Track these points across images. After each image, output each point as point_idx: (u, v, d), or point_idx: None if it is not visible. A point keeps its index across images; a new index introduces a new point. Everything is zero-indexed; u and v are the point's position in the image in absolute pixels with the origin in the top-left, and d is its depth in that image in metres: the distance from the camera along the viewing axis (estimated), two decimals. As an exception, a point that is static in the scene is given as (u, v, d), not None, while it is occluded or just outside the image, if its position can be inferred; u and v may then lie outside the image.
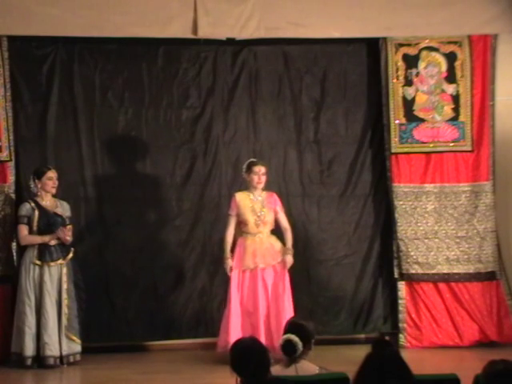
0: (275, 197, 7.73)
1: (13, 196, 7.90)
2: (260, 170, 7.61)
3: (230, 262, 7.51)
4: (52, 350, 7.41)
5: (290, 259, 7.56)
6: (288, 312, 7.35)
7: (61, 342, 7.46)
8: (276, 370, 4.57)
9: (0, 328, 7.69)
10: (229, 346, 7.27)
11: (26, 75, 8.14)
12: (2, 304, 7.77)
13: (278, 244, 7.63)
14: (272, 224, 7.68)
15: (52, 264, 7.53)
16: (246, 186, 7.73)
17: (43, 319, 7.43)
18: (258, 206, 7.61)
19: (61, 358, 7.46)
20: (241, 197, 7.65)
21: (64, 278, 7.54)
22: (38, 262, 7.51)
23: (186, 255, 8.37)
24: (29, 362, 7.40)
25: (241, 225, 7.66)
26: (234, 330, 7.36)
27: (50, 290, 7.48)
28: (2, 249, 7.84)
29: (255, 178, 7.61)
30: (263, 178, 7.63)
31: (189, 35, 8.10)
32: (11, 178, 7.93)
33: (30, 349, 7.41)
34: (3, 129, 7.93)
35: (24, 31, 7.93)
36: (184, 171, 8.41)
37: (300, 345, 4.74)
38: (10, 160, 7.94)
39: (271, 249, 7.58)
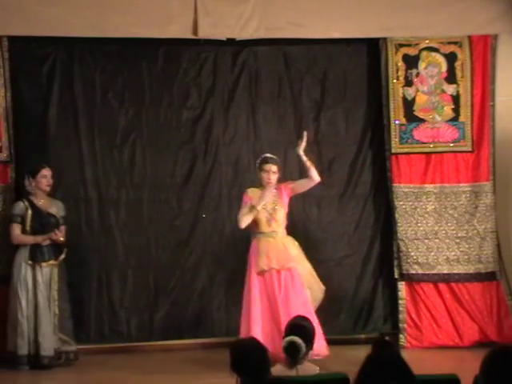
0: (283, 188, 7.40)
1: (13, 196, 7.89)
2: (270, 168, 7.30)
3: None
4: (46, 350, 7.39)
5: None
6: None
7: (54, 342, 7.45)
8: (277, 370, 4.58)
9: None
10: None
11: (26, 75, 8.14)
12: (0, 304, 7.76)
13: (293, 249, 7.33)
14: (285, 222, 7.38)
15: (43, 264, 7.51)
16: (259, 183, 7.42)
17: (38, 319, 7.42)
18: (269, 204, 7.30)
19: (53, 358, 7.43)
20: (253, 193, 7.38)
21: (55, 279, 7.52)
22: (30, 262, 7.49)
23: (186, 255, 8.37)
24: (22, 361, 7.38)
25: (252, 225, 7.32)
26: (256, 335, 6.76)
27: (43, 290, 7.46)
28: (1, 249, 7.84)
29: (265, 176, 7.31)
30: (273, 177, 7.32)
31: (189, 35, 8.10)
32: (11, 179, 7.93)
33: (22, 348, 7.38)
34: (3, 129, 7.93)
35: (24, 31, 7.92)
36: (184, 171, 8.41)
37: (303, 346, 4.75)
38: (11, 160, 7.94)
39: (285, 252, 7.24)
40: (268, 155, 7.46)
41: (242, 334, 7.06)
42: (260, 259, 7.16)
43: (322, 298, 7.43)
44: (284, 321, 6.73)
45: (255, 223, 7.29)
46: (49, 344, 7.41)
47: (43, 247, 7.55)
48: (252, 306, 7.11)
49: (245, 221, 7.27)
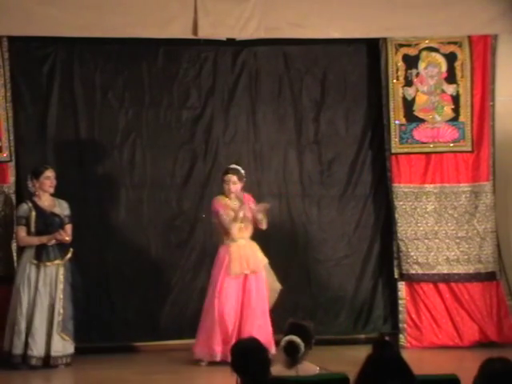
0: (246, 198, 7.62)
1: (13, 196, 7.88)
2: (230, 179, 7.53)
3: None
4: (33, 350, 7.36)
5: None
6: (262, 319, 7.43)
7: (51, 342, 7.41)
8: (277, 370, 4.57)
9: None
10: (214, 355, 7.24)
11: (26, 75, 8.14)
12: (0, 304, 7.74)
13: (259, 253, 7.60)
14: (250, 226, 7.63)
15: (48, 264, 7.50)
16: (224, 192, 7.65)
17: (32, 319, 7.40)
18: (240, 213, 7.52)
19: (48, 358, 7.38)
20: (224, 200, 7.61)
21: (60, 278, 7.50)
22: (35, 262, 7.48)
23: (186, 255, 8.37)
24: (17, 359, 7.36)
25: (221, 233, 7.60)
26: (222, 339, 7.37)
27: (43, 290, 7.45)
28: (1, 249, 7.83)
29: (226, 186, 7.57)
30: (234, 187, 7.53)
31: (189, 35, 8.10)
32: (11, 179, 7.92)
33: (17, 347, 7.37)
34: (3, 129, 7.93)
35: (24, 31, 7.93)
36: (184, 171, 8.42)
37: (302, 346, 4.74)
38: (10, 160, 7.94)
39: (254, 256, 7.53)
40: (231, 166, 7.68)
41: (203, 337, 7.46)
42: (233, 264, 7.42)
43: (276, 296, 7.67)
44: (241, 324, 7.37)
45: (226, 232, 7.52)
46: (38, 345, 7.37)
47: (49, 247, 7.54)
48: (216, 312, 7.39)
49: (235, 227, 7.50)
